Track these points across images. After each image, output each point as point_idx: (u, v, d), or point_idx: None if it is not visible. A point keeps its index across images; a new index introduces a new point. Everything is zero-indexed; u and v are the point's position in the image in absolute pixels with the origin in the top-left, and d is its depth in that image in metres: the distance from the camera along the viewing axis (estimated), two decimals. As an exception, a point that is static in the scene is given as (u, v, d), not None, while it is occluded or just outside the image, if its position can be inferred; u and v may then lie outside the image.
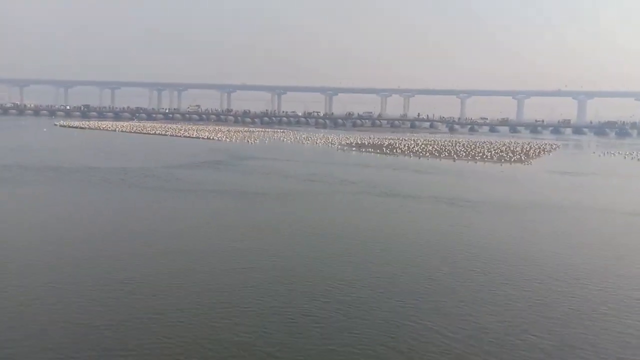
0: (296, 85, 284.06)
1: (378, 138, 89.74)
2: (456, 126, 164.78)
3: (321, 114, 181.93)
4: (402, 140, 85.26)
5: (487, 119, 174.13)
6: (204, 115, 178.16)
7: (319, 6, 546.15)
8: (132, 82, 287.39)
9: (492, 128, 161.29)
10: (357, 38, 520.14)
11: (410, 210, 27.79)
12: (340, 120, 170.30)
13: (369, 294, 14.52)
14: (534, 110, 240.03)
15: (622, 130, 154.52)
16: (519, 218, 26.36)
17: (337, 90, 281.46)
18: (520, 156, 63.10)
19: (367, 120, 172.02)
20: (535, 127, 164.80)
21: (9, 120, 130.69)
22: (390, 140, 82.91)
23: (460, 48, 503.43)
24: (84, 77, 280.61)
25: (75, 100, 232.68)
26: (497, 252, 19.37)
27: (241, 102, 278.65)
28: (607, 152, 78.50)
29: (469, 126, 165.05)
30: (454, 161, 57.10)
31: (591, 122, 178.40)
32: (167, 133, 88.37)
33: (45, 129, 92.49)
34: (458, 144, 79.03)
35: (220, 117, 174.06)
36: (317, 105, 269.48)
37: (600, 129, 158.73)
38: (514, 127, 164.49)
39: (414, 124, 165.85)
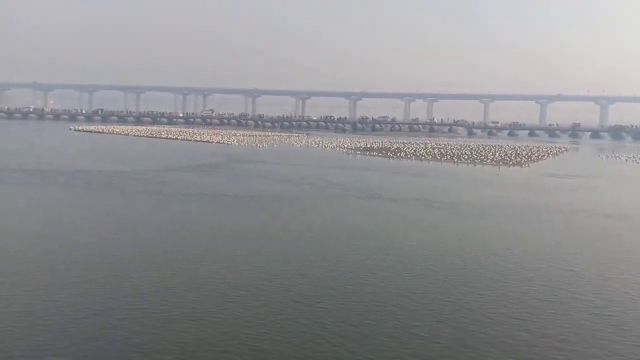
0: (320, 90, 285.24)
1: (389, 142, 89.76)
2: (475, 130, 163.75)
3: (335, 118, 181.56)
4: (410, 144, 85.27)
5: (498, 122, 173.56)
6: (224, 120, 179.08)
7: (343, 15, 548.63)
8: (157, 87, 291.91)
9: (511, 132, 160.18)
10: (379, 46, 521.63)
11: (375, 211, 28.20)
12: (359, 125, 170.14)
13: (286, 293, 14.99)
14: (558, 115, 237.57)
15: (638, 133, 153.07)
16: (477, 218, 26.55)
17: (361, 95, 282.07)
18: (522, 159, 62.78)
19: (387, 125, 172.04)
20: (553, 131, 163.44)
21: (18, 125, 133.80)
22: (399, 144, 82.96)
23: (483, 53, 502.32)
24: (108, 81, 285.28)
25: (100, 104, 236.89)
26: (428, 249, 19.72)
27: (267, 107, 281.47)
28: (612, 155, 77.80)
29: (488, 130, 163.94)
30: (455, 164, 57.16)
31: (602, 126, 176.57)
32: (179, 137, 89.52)
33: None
34: (467, 147, 78.81)
35: (240, 121, 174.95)
36: (342, 110, 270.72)
37: (617, 133, 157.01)
38: (532, 131, 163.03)
39: (433, 128, 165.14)
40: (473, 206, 29.89)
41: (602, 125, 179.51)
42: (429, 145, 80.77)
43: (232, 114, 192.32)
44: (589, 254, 20.17)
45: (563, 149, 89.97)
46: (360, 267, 17.43)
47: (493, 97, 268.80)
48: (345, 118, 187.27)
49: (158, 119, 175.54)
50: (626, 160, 69.82)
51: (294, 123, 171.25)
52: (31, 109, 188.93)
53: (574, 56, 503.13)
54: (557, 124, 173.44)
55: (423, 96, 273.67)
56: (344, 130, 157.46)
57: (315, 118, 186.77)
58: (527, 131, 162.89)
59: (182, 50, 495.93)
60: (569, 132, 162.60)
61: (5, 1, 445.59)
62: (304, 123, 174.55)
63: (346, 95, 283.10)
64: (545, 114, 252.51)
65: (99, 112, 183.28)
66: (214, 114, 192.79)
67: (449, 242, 21.30)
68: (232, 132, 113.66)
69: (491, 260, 18.81)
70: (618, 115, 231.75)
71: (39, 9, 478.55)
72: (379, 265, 17.67)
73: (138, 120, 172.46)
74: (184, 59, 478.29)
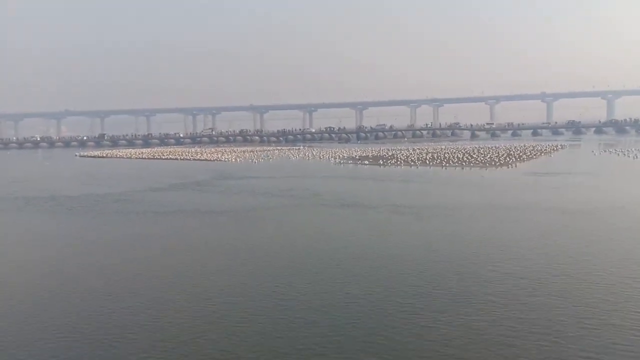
0: (326, 102, 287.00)
1: (387, 149, 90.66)
2: (478, 132, 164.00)
3: (335, 129, 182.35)
4: (406, 150, 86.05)
5: (492, 124, 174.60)
6: (230, 137, 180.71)
7: (346, 23, 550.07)
8: (167, 109, 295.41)
9: (514, 132, 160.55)
10: (385, 53, 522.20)
11: (341, 217, 28.92)
12: (362, 134, 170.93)
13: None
14: (565, 112, 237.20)
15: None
16: (431, 220, 27.13)
17: (366, 104, 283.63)
18: (511, 160, 63.14)
19: (391, 132, 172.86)
20: (556, 129, 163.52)
21: (27, 154, 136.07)
22: (395, 151, 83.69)
23: (484, 54, 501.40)
24: (119, 106, 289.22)
25: (112, 129, 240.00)
26: (374, 251, 20.44)
27: (275, 122, 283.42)
28: (606, 151, 77.96)
29: (491, 132, 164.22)
30: (443, 168, 57.72)
31: (599, 122, 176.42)
32: (179, 157, 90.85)
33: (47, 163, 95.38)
34: (460, 151, 79.23)
35: (245, 138, 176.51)
36: (349, 120, 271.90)
37: (621, 128, 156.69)
38: (535, 130, 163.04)
39: (436, 133, 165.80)
40: (436, 209, 30.46)
41: (599, 121, 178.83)
42: (424, 151, 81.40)
43: (234, 131, 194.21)
44: (518, 250, 20.61)
45: (559, 147, 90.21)
46: (307, 271, 18.27)
47: (498, 99, 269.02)
48: (344, 128, 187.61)
49: (165, 140, 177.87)
50: (618, 154, 69.80)
51: (298, 136, 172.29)
52: (38, 138, 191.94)
53: (579, 52, 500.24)
54: (556, 122, 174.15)
55: (428, 102, 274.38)
56: (347, 140, 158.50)
57: (313, 130, 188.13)
58: (531, 130, 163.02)
59: (189, 69, 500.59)
60: (573, 129, 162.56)
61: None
62: (308, 135, 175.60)
63: (352, 105, 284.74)
64: (552, 112, 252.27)
65: (104, 137, 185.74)
66: (214, 132, 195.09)
67: (392, 244, 22.04)
68: (233, 149, 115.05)
69: (423, 259, 19.49)
70: (626, 109, 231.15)
71: (45, 34, 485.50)
72: (326, 271, 18.48)
73: (146, 142, 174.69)
74: (193, 78, 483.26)
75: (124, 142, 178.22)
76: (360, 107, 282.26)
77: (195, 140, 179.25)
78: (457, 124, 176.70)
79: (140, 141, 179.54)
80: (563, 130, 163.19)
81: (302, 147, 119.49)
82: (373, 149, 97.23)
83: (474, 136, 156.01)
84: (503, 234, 23.58)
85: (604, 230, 23.90)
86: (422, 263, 18.91)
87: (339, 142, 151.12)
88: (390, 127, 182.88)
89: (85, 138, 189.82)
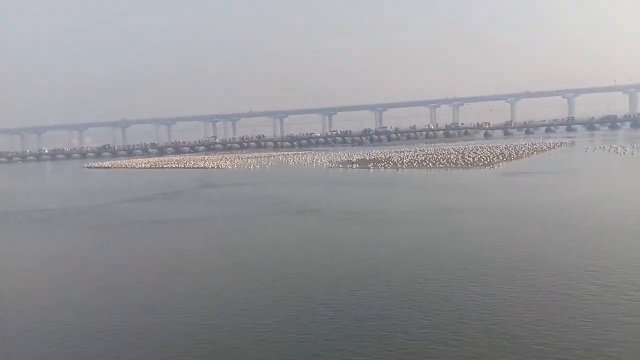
0: (345, 105, 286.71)
1: (386, 152, 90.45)
2: (490, 132, 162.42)
3: (338, 132, 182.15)
4: (399, 152, 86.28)
5: (489, 123, 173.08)
6: (244, 144, 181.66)
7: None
8: (187, 117, 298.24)
9: (528, 130, 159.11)
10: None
11: (289, 225, 29.25)
12: (375, 136, 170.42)
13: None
14: (587, 107, 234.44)
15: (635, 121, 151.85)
16: (375, 226, 27.06)
17: (386, 106, 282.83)
18: (498, 160, 62.61)
19: (403, 134, 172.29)
20: (570, 126, 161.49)
21: (36, 166, 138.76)
22: (392, 154, 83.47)
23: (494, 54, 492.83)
24: (140, 115, 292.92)
25: (134, 138, 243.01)
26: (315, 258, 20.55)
27: (296, 127, 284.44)
28: (598, 147, 77.00)
29: (503, 130, 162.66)
30: (427, 170, 57.50)
31: (592, 118, 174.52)
32: (179, 166, 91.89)
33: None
34: (455, 152, 78.72)
35: (260, 143, 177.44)
36: (368, 122, 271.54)
37: (636, 122, 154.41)
38: (548, 128, 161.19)
39: (448, 133, 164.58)
40: (381, 214, 30.44)
41: (591, 117, 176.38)
42: (419, 153, 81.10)
43: (238, 137, 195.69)
44: (444, 251, 20.65)
45: (558, 144, 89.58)
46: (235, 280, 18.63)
47: (519, 96, 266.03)
48: (350, 131, 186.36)
49: (180, 148, 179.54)
50: (609, 151, 68.49)
51: (312, 140, 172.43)
52: (46, 151, 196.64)
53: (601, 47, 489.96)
54: (555, 120, 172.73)
55: (448, 101, 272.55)
56: (361, 143, 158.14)
57: (318, 134, 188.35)
58: (544, 128, 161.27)
59: (209, 77, 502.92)
60: (587, 125, 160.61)
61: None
62: (321, 139, 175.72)
63: (371, 107, 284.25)
64: (573, 108, 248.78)
65: (106, 148, 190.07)
66: (216, 140, 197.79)
67: (306, 250, 22.12)
68: (238, 155, 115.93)
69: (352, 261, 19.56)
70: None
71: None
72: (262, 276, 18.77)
73: (162, 151, 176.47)
74: (212, 85, 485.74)
75: (138, 151, 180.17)
76: (380, 109, 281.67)
77: (209, 147, 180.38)
78: (454, 123, 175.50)
79: (155, 150, 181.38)
80: (577, 126, 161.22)
81: (308, 152, 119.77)
82: (376, 152, 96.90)
83: (487, 136, 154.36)
84: (414, 238, 23.46)
85: (519, 231, 23.70)
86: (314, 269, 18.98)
87: (352, 145, 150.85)
88: (396, 129, 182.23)
89: (87, 149, 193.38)
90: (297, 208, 34.78)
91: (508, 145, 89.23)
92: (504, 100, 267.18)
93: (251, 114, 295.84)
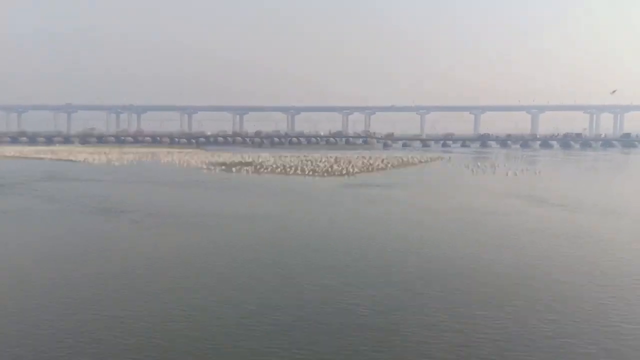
0: (257, 105, 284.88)
1: (266, 156, 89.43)
2: (389, 142, 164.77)
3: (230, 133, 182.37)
4: (284, 157, 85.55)
5: (374, 132, 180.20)
6: (157, 138, 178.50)
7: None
8: (88, 105, 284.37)
9: (464, 143, 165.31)
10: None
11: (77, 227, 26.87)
12: (276, 139, 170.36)
13: None
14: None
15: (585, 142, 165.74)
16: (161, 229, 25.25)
17: (299, 109, 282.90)
18: (356, 170, 62.40)
19: (310, 138, 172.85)
20: (526, 142, 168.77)
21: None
22: (270, 158, 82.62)
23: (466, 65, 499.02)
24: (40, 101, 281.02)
25: (32, 125, 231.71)
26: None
27: (209, 123, 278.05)
28: (467, 167, 76.96)
29: (402, 142, 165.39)
30: (286, 175, 56.89)
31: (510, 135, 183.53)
32: (53, 157, 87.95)
33: None
34: (332, 159, 78.64)
35: (173, 140, 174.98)
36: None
37: (566, 142, 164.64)
38: (464, 142, 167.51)
39: (349, 141, 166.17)
40: (173, 217, 28.77)
41: (509, 135, 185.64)
42: (292, 159, 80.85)
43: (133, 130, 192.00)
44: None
45: (433, 158, 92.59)
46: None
47: (428, 109, 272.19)
48: (247, 132, 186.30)
49: (87, 139, 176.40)
50: (472, 170, 68.37)
51: (210, 139, 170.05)
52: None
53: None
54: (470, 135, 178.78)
55: (361, 109, 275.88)
56: (260, 145, 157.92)
57: (209, 133, 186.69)
58: (460, 142, 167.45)
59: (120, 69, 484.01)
60: (539, 142, 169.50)
61: None
62: (220, 138, 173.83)
63: (284, 109, 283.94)
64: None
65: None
66: (93, 132, 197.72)
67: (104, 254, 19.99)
68: (119, 150, 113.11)
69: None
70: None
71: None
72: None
73: (67, 140, 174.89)
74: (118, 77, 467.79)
75: (42, 139, 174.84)
76: (292, 111, 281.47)
77: (119, 139, 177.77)
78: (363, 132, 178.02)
79: (60, 138, 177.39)
80: (531, 142, 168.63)
81: (192, 150, 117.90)
82: (265, 154, 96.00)
83: (386, 146, 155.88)
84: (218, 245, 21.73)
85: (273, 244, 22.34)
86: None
87: (252, 147, 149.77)
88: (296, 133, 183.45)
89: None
90: (97, 207, 32.67)
91: (383, 157, 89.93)
92: (415, 112, 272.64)
93: (210, 108, 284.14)
